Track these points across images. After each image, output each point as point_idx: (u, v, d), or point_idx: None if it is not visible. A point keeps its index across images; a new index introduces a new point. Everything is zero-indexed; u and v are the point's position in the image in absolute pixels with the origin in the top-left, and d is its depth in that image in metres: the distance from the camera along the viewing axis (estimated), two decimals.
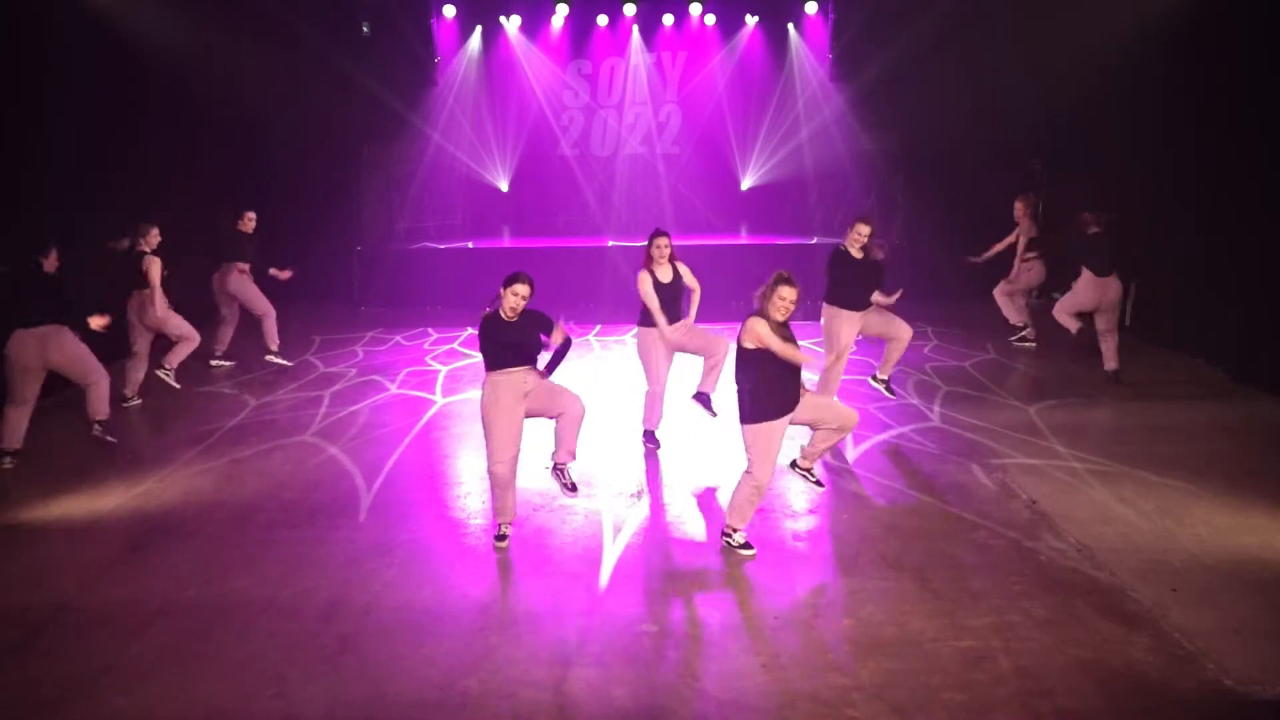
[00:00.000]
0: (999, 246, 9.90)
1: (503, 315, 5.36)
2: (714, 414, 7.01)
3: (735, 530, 5.35)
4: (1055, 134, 11.91)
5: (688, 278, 6.92)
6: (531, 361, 5.49)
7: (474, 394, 8.15)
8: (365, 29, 13.23)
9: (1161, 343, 9.73)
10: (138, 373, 8.39)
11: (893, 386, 7.79)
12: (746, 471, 5.26)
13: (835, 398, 7.13)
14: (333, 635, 4.50)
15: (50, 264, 6.94)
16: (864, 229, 7.03)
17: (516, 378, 5.40)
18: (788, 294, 5.14)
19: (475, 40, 13.99)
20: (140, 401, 8.38)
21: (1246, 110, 8.42)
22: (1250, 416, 7.54)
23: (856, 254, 7.08)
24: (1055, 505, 5.86)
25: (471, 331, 11.11)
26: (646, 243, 6.85)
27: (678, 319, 6.81)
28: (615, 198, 14.38)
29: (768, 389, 5.19)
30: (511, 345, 5.38)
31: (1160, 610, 4.60)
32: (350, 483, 6.45)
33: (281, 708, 3.97)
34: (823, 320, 7.31)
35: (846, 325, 7.17)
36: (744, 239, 13.70)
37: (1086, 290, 8.66)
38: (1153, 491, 6.03)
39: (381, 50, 13.18)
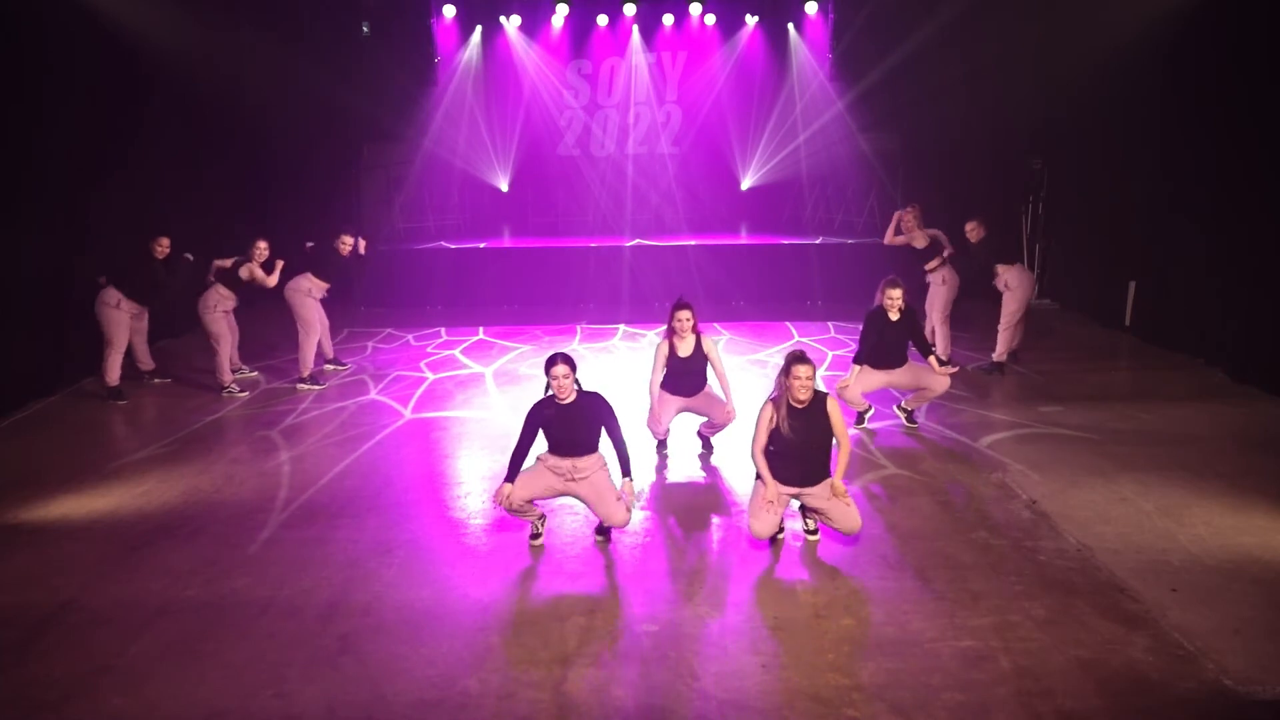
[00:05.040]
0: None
1: (557, 400, 5.21)
2: (710, 450, 6.99)
3: None
4: (1055, 134, 11.92)
5: (712, 355, 6.61)
6: (588, 450, 5.28)
7: (449, 413, 8.03)
8: (365, 29, 13.23)
9: (1161, 343, 9.74)
10: (224, 359, 8.74)
11: (915, 416, 7.54)
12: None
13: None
14: (333, 635, 4.50)
15: (161, 251, 8.49)
16: (895, 293, 6.96)
17: (565, 465, 5.28)
18: (802, 371, 5.07)
19: (475, 40, 14.00)
20: (250, 375, 9.19)
21: (1246, 110, 8.41)
22: (1250, 416, 7.54)
23: (893, 316, 7.01)
24: (1055, 505, 5.86)
25: (483, 334, 11.03)
26: (669, 314, 6.58)
27: (696, 392, 6.67)
28: (615, 198, 14.38)
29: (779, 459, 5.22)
30: (563, 436, 5.24)
31: (1160, 610, 4.60)
32: (350, 482, 6.46)
33: (281, 708, 3.97)
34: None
35: (865, 378, 7.17)
36: (744, 239, 13.71)
37: (1024, 284, 8.85)
38: (1153, 491, 6.02)
39: (381, 50, 13.18)
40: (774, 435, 5.21)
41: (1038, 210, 12.31)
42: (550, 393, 5.23)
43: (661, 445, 6.98)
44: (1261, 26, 8.20)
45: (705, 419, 6.89)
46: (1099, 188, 11.07)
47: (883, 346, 7.10)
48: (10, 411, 8.05)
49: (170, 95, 10.37)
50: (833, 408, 5.20)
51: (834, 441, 5.26)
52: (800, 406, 5.13)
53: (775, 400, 5.22)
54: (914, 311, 7.27)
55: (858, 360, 7.15)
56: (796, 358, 5.12)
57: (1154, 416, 7.53)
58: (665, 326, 6.66)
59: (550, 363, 5.17)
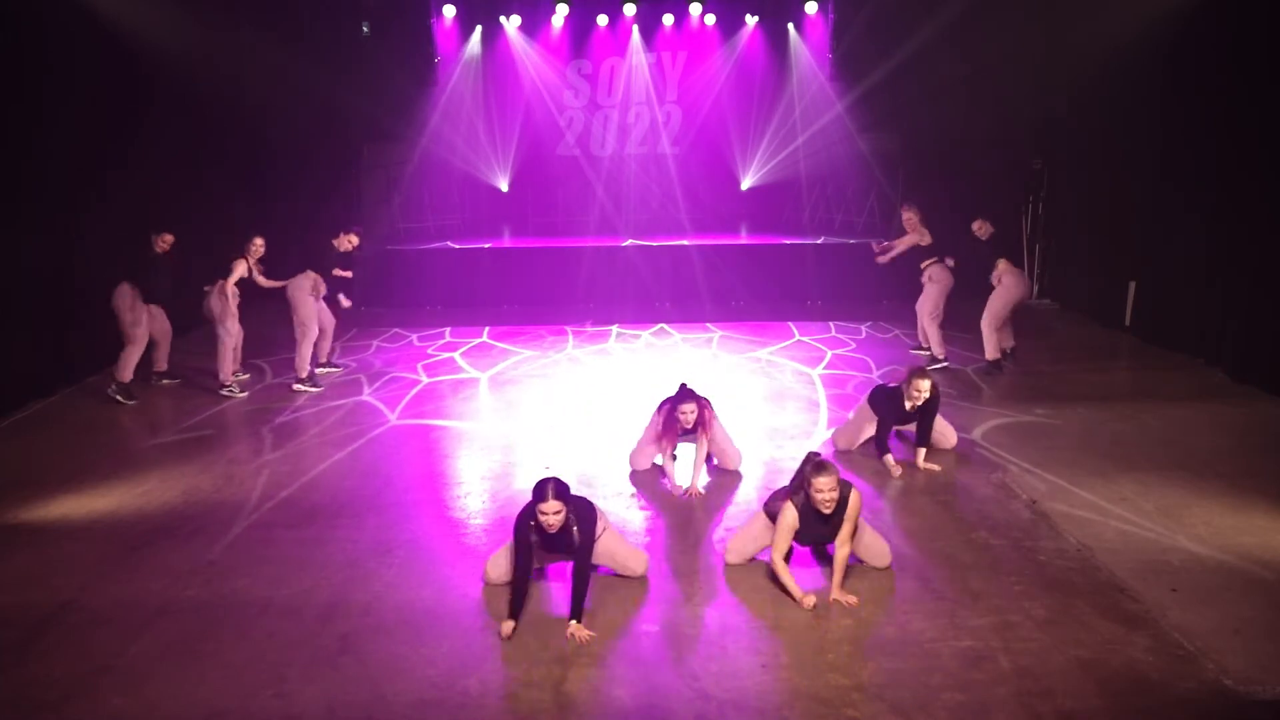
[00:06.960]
0: (900, 248, 9.52)
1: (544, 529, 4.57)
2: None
3: None
4: (1055, 134, 11.92)
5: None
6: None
7: (441, 421, 7.92)
8: (365, 29, 13.23)
9: (1161, 343, 9.73)
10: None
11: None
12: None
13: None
14: (333, 635, 4.50)
15: (162, 246, 8.45)
16: (924, 384, 6.34)
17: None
18: (824, 484, 4.60)
19: (475, 40, 14.00)
20: (243, 377, 9.07)
21: (1246, 110, 8.41)
22: (1250, 416, 7.54)
23: (908, 406, 6.46)
24: (1055, 505, 5.85)
25: (486, 337, 10.98)
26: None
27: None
28: (615, 197, 14.38)
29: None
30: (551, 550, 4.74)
31: (1160, 610, 4.60)
32: (353, 483, 6.46)
33: (281, 708, 3.97)
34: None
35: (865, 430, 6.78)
36: (744, 239, 13.71)
37: (1016, 287, 8.88)
38: (1153, 491, 6.02)
39: (381, 50, 13.18)
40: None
41: (1038, 210, 12.31)
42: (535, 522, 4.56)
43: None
44: (1261, 26, 8.20)
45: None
46: (1099, 188, 11.07)
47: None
48: (10, 411, 8.04)
49: (170, 95, 10.36)
50: (854, 502, 4.75)
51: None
52: (827, 513, 4.69)
53: (798, 502, 4.74)
54: (935, 399, 6.53)
55: (883, 452, 6.56)
56: (816, 467, 4.60)
57: (1154, 416, 7.53)
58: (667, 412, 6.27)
59: (539, 496, 4.50)
